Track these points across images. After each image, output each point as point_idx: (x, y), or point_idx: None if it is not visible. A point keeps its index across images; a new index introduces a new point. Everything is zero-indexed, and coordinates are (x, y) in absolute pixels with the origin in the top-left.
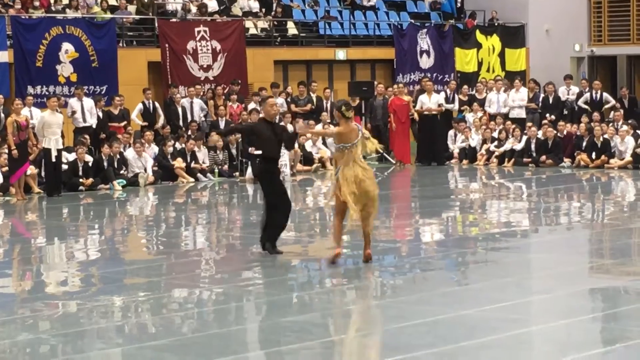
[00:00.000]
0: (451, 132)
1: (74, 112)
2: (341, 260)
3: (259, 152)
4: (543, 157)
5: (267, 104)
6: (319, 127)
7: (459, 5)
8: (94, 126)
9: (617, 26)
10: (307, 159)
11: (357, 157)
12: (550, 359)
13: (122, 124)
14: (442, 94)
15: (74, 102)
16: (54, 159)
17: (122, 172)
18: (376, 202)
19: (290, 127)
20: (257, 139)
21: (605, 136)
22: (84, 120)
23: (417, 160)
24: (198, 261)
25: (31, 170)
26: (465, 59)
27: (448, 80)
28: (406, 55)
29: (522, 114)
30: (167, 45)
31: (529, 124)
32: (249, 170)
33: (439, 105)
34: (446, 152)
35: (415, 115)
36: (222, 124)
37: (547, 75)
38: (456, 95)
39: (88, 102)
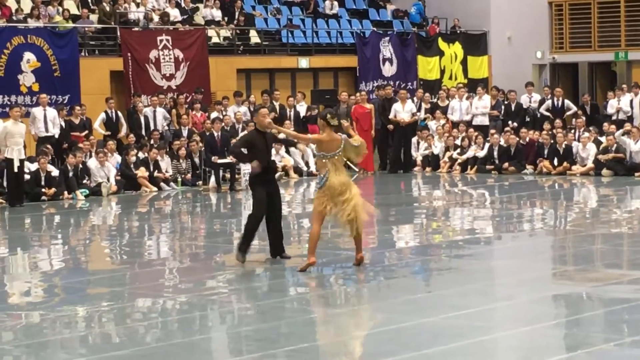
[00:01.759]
0: (414, 140)
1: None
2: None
3: (226, 160)
4: (505, 164)
5: (260, 114)
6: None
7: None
8: (57, 136)
9: (579, 33)
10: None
11: (339, 166)
12: None
13: (84, 133)
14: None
15: (37, 110)
16: (16, 169)
17: (84, 181)
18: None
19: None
20: (252, 150)
21: (567, 143)
22: (47, 130)
23: (380, 168)
24: (162, 270)
25: None
26: (427, 67)
27: (411, 88)
28: (369, 63)
29: (484, 121)
30: (129, 54)
31: (492, 131)
32: (212, 179)
33: (413, 115)
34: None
35: (390, 126)
36: (184, 133)
37: (509, 83)
38: (422, 104)
39: (51, 112)
